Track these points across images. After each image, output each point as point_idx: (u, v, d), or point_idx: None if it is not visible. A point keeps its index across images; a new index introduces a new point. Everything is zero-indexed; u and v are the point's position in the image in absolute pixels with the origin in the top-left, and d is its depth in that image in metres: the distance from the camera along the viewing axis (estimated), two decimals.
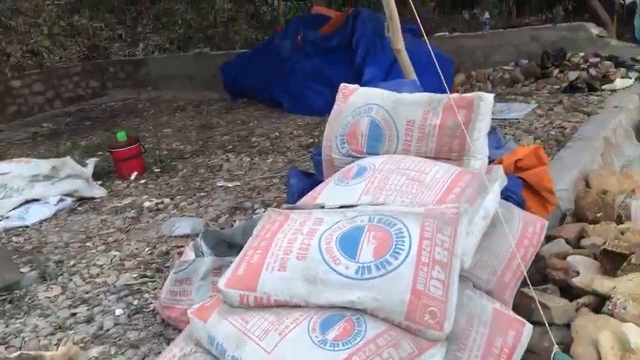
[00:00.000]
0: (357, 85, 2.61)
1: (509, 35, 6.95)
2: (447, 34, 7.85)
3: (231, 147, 5.48)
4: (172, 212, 3.91)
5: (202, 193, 4.24)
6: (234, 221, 3.57)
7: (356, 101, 2.45)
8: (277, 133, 5.78)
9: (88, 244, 3.54)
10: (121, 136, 4.91)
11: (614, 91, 5.45)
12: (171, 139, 6.19)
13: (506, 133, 4.64)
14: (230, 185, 4.34)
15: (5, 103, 9.13)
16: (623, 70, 5.74)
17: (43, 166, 4.43)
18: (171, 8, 12.38)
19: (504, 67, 6.59)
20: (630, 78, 5.56)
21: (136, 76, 10.18)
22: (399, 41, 3.32)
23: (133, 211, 4.02)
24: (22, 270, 3.19)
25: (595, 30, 6.34)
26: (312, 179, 3.05)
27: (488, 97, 2.23)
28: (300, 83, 6.77)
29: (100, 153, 5.89)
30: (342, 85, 2.65)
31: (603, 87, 5.51)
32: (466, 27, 8.78)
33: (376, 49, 6.29)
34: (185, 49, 11.05)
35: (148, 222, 3.80)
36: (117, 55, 11.18)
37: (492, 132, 2.87)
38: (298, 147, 5.19)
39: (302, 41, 6.91)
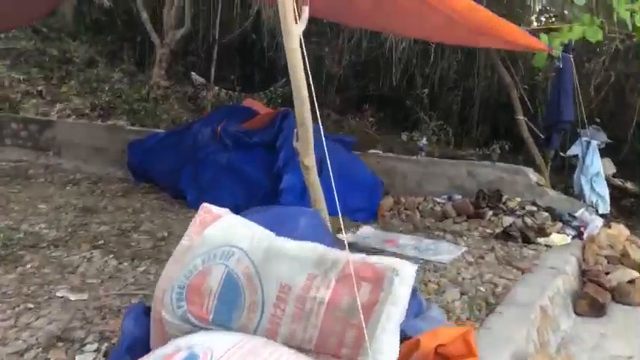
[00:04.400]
0: (225, 210, 1.78)
1: (444, 166, 6.48)
2: (381, 152, 7.35)
3: (102, 242, 4.46)
4: None
5: (30, 305, 3.17)
6: None
7: (214, 236, 1.62)
8: (165, 233, 4.83)
9: None
10: None
11: (549, 246, 4.93)
12: (39, 220, 5.09)
13: (429, 281, 3.91)
14: (73, 298, 3.30)
15: None
16: (560, 224, 5.28)
17: None
18: (106, 75, 11.62)
19: (436, 199, 6.04)
20: (568, 235, 5.07)
21: (38, 138, 9.08)
22: (308, 155, 2.57)
23: None
24: None
25: (534, 177, 5.96)
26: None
27: (408, 271, 1.45)
28: (211, 177, 5.95)
29: None
30: (204, 205, 1.81)
31: (539, 240, 5.00)
32: (402, 149, 8.38)
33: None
34: (106, 118, 10.13)
35: None
36: (27, 112, 10.09)
37: (412, 293, 2.09)
38: None
39: (222, 131, 6.17)
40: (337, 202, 2.47)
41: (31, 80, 11.09)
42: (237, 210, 5.57)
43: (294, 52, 2.30)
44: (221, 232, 1.62)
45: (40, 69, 11.46)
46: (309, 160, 2.59)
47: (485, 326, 3.14)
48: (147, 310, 2.34)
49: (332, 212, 4.22)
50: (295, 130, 2.69)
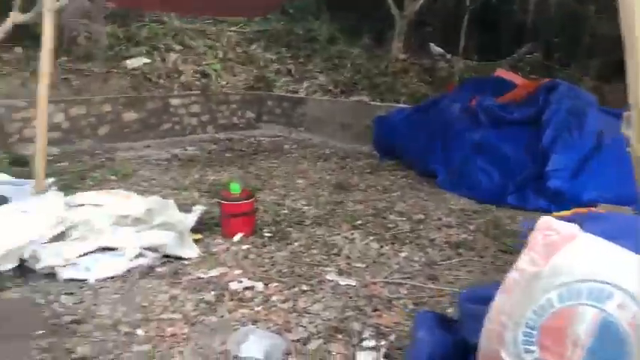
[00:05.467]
0: (576, 229, 1.38)
1: None
2: None
3: (360, 222, 4.44)
4: (256, 309, 2.93)
5: (304, 287, 3.22)
6: (329, 353, 2.49)
7: (571, 265, 1.26)
8: (422, 216, 4.63)
9: (134, 335, 2.67)
10: (234, 187, 4.12)
11: None
12: (299, 196, 5.32)
13: None
14: (342, 283, 3.27)
15: (161, 119, 9.09)
16: None
17: (139, 205, 3.76)
18: (346, 51, 11.92)
19: None
20: None
21: (291, 114, 9.68)
22: None
23: (212, 293, 3.11)
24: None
25: None
26: (448, 337, 1.89)
27: None
28: (463, 156, 5.58)
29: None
30: (547, 221, 1.44)
31: None
32: None
33: (571, 134, 4.90)
34: (348, 94, 10.39)
35: (222, 317, 2.86)
36: (280, 89, 10.85)
37: None
38: (444, 243, 3.99)
39: (476, 107, 5.73)
40: None
41: (282, 59, 11.89)
42: (493, 194, 5.15)
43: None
44: (581, 260, 1.26)
45: (288, 48, 12.22)
46: None
47: None
48: (439, 321, 2.12)
49: (617, 201, 3.54)
50: (626, 114, 2.15)
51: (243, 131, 9.81)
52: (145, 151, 7.90)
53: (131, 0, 7.45)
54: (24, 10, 5.17)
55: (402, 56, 11.38)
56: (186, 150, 8.03)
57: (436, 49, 11.70)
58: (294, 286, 3.22)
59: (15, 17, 5.03)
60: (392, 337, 2.60)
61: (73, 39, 9.76)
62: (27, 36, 8.19)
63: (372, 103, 8.73)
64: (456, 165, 5.58)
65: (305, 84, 11.11)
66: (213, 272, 3.41)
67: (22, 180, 4.99)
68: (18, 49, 9.14)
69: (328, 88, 10.80)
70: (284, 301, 3.03)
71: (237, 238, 4.00)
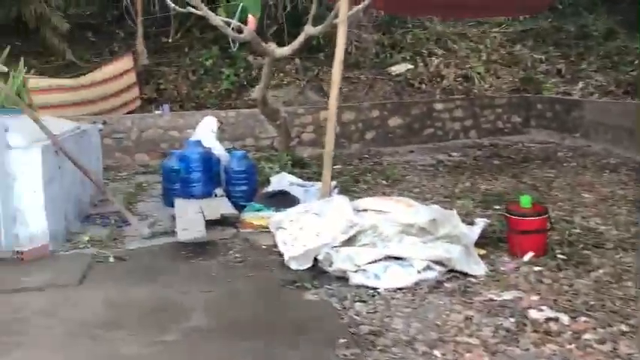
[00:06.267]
0: None
1: None
2: None
3: None
4: (568, 347, 2.53)
5: (623, 327, 2.69)
6: None
7: None
8: None
9: (431, 356, 2.50)
10: (525, 201, 3.73)
11: None
12: (589, 212, 4.67)
13: None
14: None
15: (424, 124, 9.05)
16: None
17: (423, 215, 3.64)
18: (627, 47, 10.43)
19: None
20: None
21: (564, 119, 8.76)
22: None
23: (511, 320, 2.80)
24: None
25: None
26: None
27: None
28: None
29: (497, 207, 4.87)
30: None
31: None
32: None
33: None
34: (634, 95, 9.01)
35: (527, 350, 2.52)
36: (549, 91, 9.95)
37: None
38: None
39: None
40: None
41: (550, 59, 10.93)
42: None
43: None
44: None
45: (557, 47, 11.19)
46: None
47: None
48: None
49: None
50: None
51: (508, 136, 9.23)
52: (410, 155, 7.93)
53: (406, 8, 7.50)
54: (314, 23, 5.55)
55: None
56: (450, 156, 7.83)
57: None
58: (609, 325, 2.72)
59: (308, 30, 5.41)
60: None
61: (345, 48, 10.36)
62: (304, 47, 8.92)
63: None
64: None
65: (579, 84, 10.00)
66: (507, 295, 3.09)
67: (308, 182, 5.36)
68: (296, 60, 10.03)
69: (609, 88, 9.54)
70: (601, 342, 2.56)
71: (527, 257, 3.61)
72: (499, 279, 3.34)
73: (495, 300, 3.05)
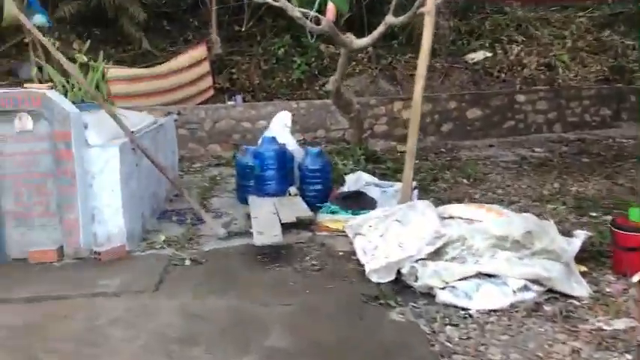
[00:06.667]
0: None
1: None
2: None
3: None
4: None
5: None
6: None
7: None
8: None
9: None
10: (634, 214, 3.34)
11: None
12: None
13: None
14: None
15: (505, 116, 8.56)
16: None
17: (517, 226, 3.32)
18: None
19: None
20: None
21: None
22: None
23: (627, 357, 2.48)
24: None
25: None
26: None
27: None
28: None
29: (593, 215, 4.46)
30: None
31: None
32: None
33: None
34: None
35: None
36: None
37: None
38: None
39: None
40: None
41: None
42: None
43: None
44: None
45: None
46: None
47: None
48: None
49: None
50: None
51: (596, 130, 8.60)
52: (489, 150, 7.52)
53: None
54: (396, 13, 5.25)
55: None
56: (534, 151, 7.36)
57: None
58: None
59: (389, 20, 5.13)
60: None
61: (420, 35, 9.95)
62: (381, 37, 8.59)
63: None
64: None
65: None
66: (619, 324, 2.76)
67: (386, 182, 5.10)
68: (369, 48, 9.70)
69: None
70: None
71: (636, 278, 3.23)
72: (606, 302, 3.00)
73: (605, 330, 2.72)
